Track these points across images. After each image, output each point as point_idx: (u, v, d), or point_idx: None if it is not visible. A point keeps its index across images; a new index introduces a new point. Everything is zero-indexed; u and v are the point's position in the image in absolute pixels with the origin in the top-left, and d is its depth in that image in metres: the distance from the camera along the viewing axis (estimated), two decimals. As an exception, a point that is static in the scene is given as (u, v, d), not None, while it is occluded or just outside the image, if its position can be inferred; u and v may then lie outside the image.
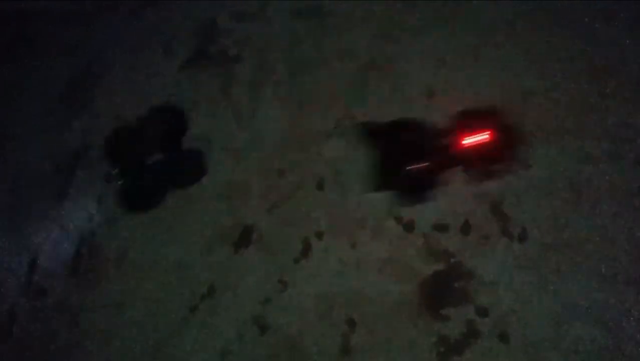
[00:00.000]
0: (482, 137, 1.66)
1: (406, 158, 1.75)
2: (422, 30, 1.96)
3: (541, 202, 1.63)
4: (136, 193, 2.05)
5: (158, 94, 2.16)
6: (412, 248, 1.71)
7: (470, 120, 1.72)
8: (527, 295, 1.57)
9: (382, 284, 1.70)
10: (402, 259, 1.70)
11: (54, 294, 2.01)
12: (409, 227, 1.73)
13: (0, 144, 2.26)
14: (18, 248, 2.12)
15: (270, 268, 1.83)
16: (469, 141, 1.66)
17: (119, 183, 2.03)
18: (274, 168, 1.94)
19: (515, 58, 1.80)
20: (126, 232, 2.02)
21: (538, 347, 1.52)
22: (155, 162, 2.04)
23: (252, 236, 1.88)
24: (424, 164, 1.70)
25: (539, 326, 1.53)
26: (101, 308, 1.95)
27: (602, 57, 1.73)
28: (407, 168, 1.70)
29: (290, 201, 1.88)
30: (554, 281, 1.56)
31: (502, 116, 1.70)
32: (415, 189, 1.72)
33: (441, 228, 1.70)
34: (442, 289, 1.64)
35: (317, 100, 1.97)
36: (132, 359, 1.86)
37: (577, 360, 1.48)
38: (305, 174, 1.90)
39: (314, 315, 1.73)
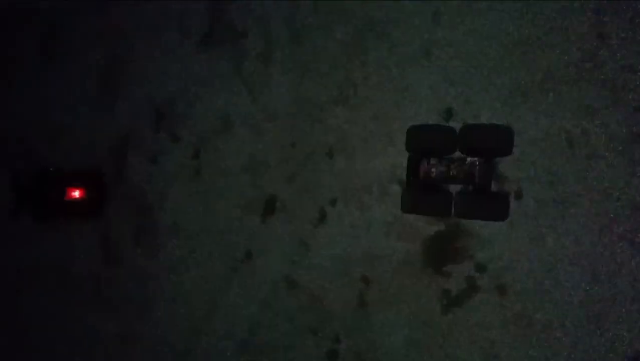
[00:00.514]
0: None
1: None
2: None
3: (536, 159, 1.63)
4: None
5: (180, 75, 2.32)
6: (416, 210, 1.81)
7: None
8: (523, 250, 1.64)
9: (390, 244, 1.84)
10: (407, 221, 1.82)
11: (126, 262, 2.41)
12: (412, 190, 1.82)
13: (50, 137, 2.59)
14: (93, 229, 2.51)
15: (293, 234, 2.04)
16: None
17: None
18: (288, 139, 2.07)
19: (508, 5, 1.70)
20: (174, 205, 2.31)
21: (533, 299, 1.61)
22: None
23: (275, 205, 2.08)
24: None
25: (534, 279, 1.62)
26: (164, 272, 2.31)
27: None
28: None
29: (305, 170, 2.03)
30: (549, 236, 1.61)
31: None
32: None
33: (442, 189, 1.77)
34: (443, 248, 1.75)
35: (321, 69, 2.02)
36: (194, 315, 2.22)
37: (570, 310, 1.56)
38: (316, 143, 2.01)
39: (333, 273, 1.95)
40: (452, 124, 1.75)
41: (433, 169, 1.64)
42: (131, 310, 2.37)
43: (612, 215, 1.54)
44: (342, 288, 1.92)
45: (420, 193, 1.70)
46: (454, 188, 1.71)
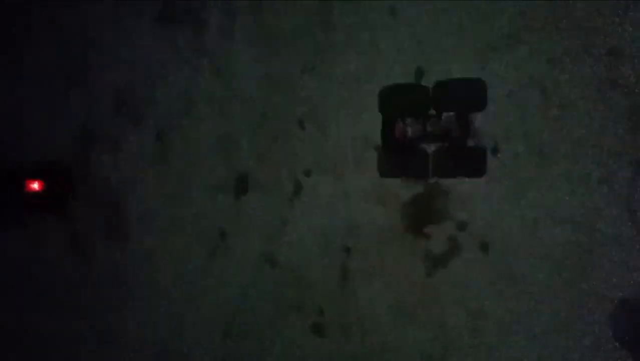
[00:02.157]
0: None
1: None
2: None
3: (511, 113, 1.62)
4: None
5: (138, 58, 2.22)
6: (393, 175, 1.77)
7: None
8: (503, 206, 1.63)
9: (369, 211, 1.81)
10: (385, 187, 1.78)
11: (98, 258, 2.30)
12: (388, 154, 1.78)
13: (6, 131, 2.45)
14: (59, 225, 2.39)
15: (269, 210, 1.98)
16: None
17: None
18: (257, 114, 2.00)
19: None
20: (142, 193, 2.22)
21: (515, 253, 1.61)
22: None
23: (248, 183, 2.01)
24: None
25: (515, 234, 1.61)
26: (138, 264, 2.22)
27: None
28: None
29: (277, 144, 1.97)
30: (527, 189, 1.60)
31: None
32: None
33: (417, 151, 1.74)
34: (423, 210, 1.73)
35: (286, 39, 1.96)
36: (171, 300, 2.14)
37: (552, 262, 1.56)
38: (286, 115, 1.95)
39: (314, 246, 1.90)
40: (423, 83, 1.72)
41: (409, 129, 1.61)
42: (107, 307, 2.27)
43: (589, 163, 1.54)
44: (324, 260, 1.88)
45: (397, 155, 1.67)
46: (430, 149, 1.68)
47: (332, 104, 1.88)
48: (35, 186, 2.31)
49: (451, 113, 1.56)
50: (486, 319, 1.63)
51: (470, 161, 1.60)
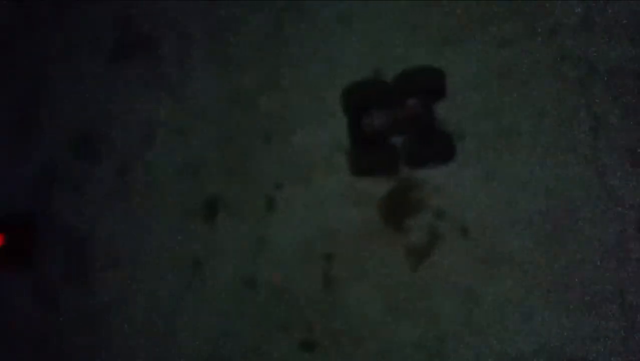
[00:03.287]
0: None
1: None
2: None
3: (471, 97, 1.66)
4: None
5: (94, 95, 2.18)
6: (364, 174, 1.77)
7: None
8: (477, 188, 1.64)
9: (345, 214, 1.78)
10: (358, 187, 1.78)
11: (66, 307, 2.15)
12: (357, 155, 1.79)
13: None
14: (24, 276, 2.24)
15: (243, 229, 1.92)
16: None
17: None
18: (222, 134, 1.98)
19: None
20: (107, 233, 2.12)
21: (496, 232, 1.61)
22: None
23: (218, 205, 1.96)
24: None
25: (494, 213, 1.62)
26: (109, 309, 2.09)
27: None
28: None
29: (245, 162, 1.94)
30: (498, 167, 1.63)
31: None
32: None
33: (386, 148, 1.75)
34: (399, 204, 1.72)
35: (242, 58, 1.98)
36: (147, 340, 2.01)
37: (532, 234, 1.57)
38: (251, 133, 1.94)
39: (294, 260, 1.84)
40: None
41: (376, 121, 1.62)
42: (79, 356, 2.10)
43: (553, 134, 1.59)
44: (306, 272, 1.82)
45: (367, 151, 1.67)
46: (398, 142, 1.70)
47: (297, 116, 1.89)
48: None
49: (415, 99, 1.58)
50: (478, 303, 1.60)
51: (439, 146, 1.62)
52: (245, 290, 1.90)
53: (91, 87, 2.20)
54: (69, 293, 2.15)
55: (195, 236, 1.98)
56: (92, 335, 2.11)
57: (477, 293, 1.61)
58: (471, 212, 1.64)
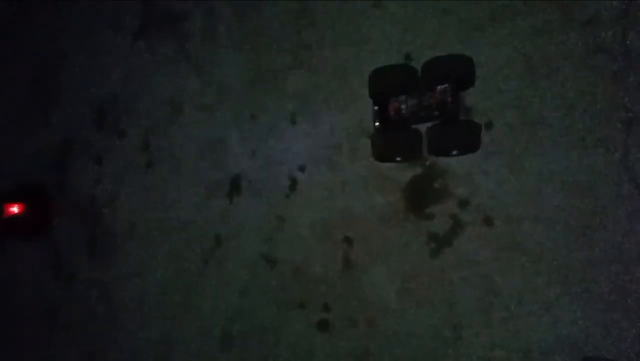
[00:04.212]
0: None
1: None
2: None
3: (501, 86, 1.65)
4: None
5: (119, 69, 2.19)
6: (389, 160, 1.77)
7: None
8: (503, 178, 1.63)
9: (368, 199, 1.79)
10: (381, 173, 1.78)
11: (82, 276, 2.19)
12: (382, 140, 1.78)
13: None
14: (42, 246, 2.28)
15: (265, 209, 1.93)
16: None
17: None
18: (246, 114, 1.99)
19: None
20: (127, 205, 2.14)
21: (521, 223, 1.60)
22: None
23: (241, 184, 1.97)
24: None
25: (518, 204, 1.61)
26: (126, 279, 2.12)
27: None
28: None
29: (269, 142, 1.95)
30: (525, 159, 1.61)
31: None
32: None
33: (412, 134, 1.75)
34: (422, 191, 1.72)
35: (271, 37, 1.97)
36: (165, 317, 2.04)
37: (559, 228, 1.57)
38: (277, 112, 1.94)
39: (314, 241, 1.85)
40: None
41: (403, 106, 1.60)
42: (96, 326, 2.14)
43: (582, 127, 1.57)
44: (325, 253, 1.83)
45: (391, 136, 1.64)
46: (423, 128, 1.68)
47: (322, 98, 1.88)
48: (15, 209, 2.21)
49: (445, 85, 1.56)
50: (497, 293, 1.61)
51: (464, 136, 1.60)
52: (263, 268, 1.92)
53: (117, 61, 2.21)
54: (86, 264, 2.19)
55: (217, 213, 2.00)
56: (108, 306, 2.15)
57: (497, 283, 1.61)
58: (496, 202, 1.63)
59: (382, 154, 1.69)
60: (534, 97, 1.62)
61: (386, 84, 1.65)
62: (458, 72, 1.60)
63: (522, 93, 1.63)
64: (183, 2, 2.09)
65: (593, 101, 1.55)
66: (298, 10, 1.94)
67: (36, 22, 2.37)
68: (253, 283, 1.93)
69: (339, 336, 1.78)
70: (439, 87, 1.57)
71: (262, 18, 1.99)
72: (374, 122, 1.68)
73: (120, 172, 2.16)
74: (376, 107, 1.67)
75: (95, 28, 2.28)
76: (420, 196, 1.72)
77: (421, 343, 1.66)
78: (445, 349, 1.63)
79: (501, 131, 1.65)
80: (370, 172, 1.79)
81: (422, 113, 1.60)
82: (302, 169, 1.89)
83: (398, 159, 1.69)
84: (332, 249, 1.82)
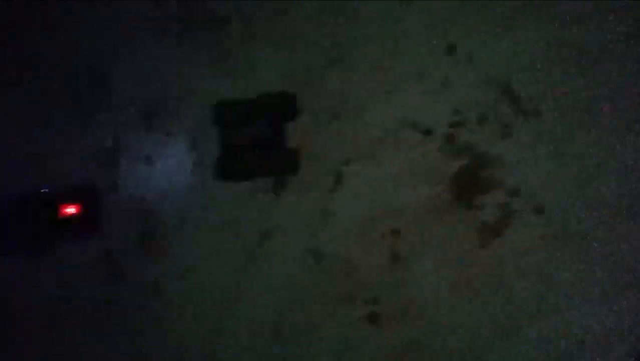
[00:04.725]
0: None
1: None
2: None
3: (548, 71, 1.63)
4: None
5: (166, 73, 2.25)
6: (434, 151, 1.77)
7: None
8: (552, 165, 1.62)
9: (415, 191, 1.79)
10: (427, 164, 1.78)
11: (134, 274, 2.25)
12: (427, 131, 1.79)
13: (32, 161, 2.45)
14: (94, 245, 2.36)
15: (311, 204, 1.96)
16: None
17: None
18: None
19: None
20: (177, 204, 2.20)
21: (570, 209, 1.58)
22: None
23: (286, 179, 2.00)
24: None
25: (568, 191, 1.59)
26: (177, 276, 2.17)
27: None
28: None
29: (312, 139, 1.97)
30: (573, 146, 1.60)
31: None
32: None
33: (458, 124, 1.75)
34: (471, 181, 1.71)
35: (308, 36, 2.00)
36: (215, 312, 2.09)
37: (604, 213, 1.54)
38: (318, 109, 1.97)
39: (360, 235, 1.87)
40: (456, 58, 1.75)
41: (235, 136, 1.97)
42: (147, 321, 2.20)
43: (633, 113, 1.54)
44: (372, 247, 1.84)
45: (230, 160, 2.01)
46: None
47: (363, 92, 1.90)
48: (71, 210, 2.29)
49: (264, 120, 1.91)
50: (550, 283, 1.58)
51: (283, 161, 1.95)
52: (310, 262, 1.94)
53: (159, 65, 2.27)
54: (136, 261, 2.25)
55: (263, 209, 2.03)
56: (158, 301, 2.21)
57: (550, 273, 1.59)
58: (546, 190, 1.62)
59: (221, 176, 2.02)
60: (581, 82, 1.60)
61: (224, 115, 2.03)
62: (279, 107, 1.94)
63: (569, 78, 1.61)
64: (222, 6, 2.14)
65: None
66: (335, 8, 1.97)
67: (85, 24, 2.45)
68: (300, 278, 1.95)
69: (388, 329, 1.79)
70: (258, 121, 1.93)
71: (298, 17, 2.02)
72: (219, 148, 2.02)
73: (169, 173, 2.22)
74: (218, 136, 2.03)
75: (136, 29, 2.34)
76: (468, 186, 1.72)
77: (472, 334, 1.65)
78: (497, 341, 1.62)
79: (550, 118, 1.63)
80: (417, 164, 1.79)
81: (253, 141, 1.95)
82: (346, 163, 1.91)
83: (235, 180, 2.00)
84: (379, 242, 1.83)
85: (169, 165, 2.23)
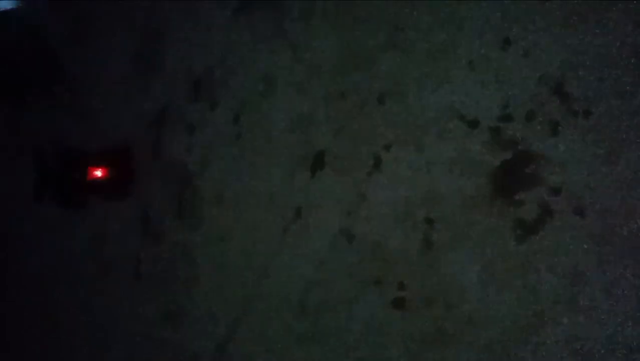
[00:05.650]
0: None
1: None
2: None
3: (603, 74, 1.61)
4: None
5: (219, 44, 2.31)
6: (479, 143, 1.77)
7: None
8: (598, 168, 1.59)
9: (454, 181, 1.79)
10: (470, 155, 1.77)
11: (168, 237, 2.32)
12: (474, 123, 1.78)
13: (83, 118, 2.54)
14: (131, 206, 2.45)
15: (347, 185, 1.98)
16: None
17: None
18: (336, 92, 2.04)
19: None
20: (217, 173, 2.26)
21: (611, 216, 1.56)
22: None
23: (325, 159, 2.03)
24: None
25: (611, 196, 1.57)
26: (210, 243, 2.24)
27: None
28: None
29: (356, 120, 1.99)
30: (622, 150, 1.57)
31: None
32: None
33: (506, 118, 1.74)
34: (513, 177, 1.70)
35: (366, 17, 2.01)
36: (244, 283, 2.14)
37: (652, 221, 1.51)
38: (366, 91, 1.98)
39: (394, 220, 1.88)
40: (511, 53, 1.73)
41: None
42: (176, 285, 2.27)
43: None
44: (405, 232, 1.85)
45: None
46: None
47: (413, 79, 1.90)
48: (99, 173, 2.36)
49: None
50: (584, 285, 1.57)
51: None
52: (342, 242, 1.96)
53: (214, 35, 2.33)
54: (173, 226, 2.32)
55: (300, 186, 2.06)
56: (191, 266, 2.27)
57: (585, 274, 1.57)
58: (588, 192, 1.60)
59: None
60: (637, 86, 1.57)
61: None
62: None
63: (626, 82, 1.58)
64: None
65: None
66: (395, -7, 1.97)
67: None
68: (330, 257, 1.98)
69: (414, 315, 1.80)
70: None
71: (359, -1, 2.03)
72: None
73: (211, 142, 2.28)
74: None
75: (196, 2, 2.40)
76: (509, 181, 1.71)
77: (500, 327, 1.65)
78: (526, 335, 1.61)
79: (599, 120, 1.61)
80: (458, 155, 1.79)
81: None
82: (387, 148, 1.92)
83: None
84: (412, 228, 1.84)
85: (211, 136, 2.28)
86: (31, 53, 2.73)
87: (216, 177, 2.25)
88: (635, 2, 1.59)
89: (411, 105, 1.90)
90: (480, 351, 1.66)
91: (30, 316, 2.62)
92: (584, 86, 1.63)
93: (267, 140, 2.15)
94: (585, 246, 1.59)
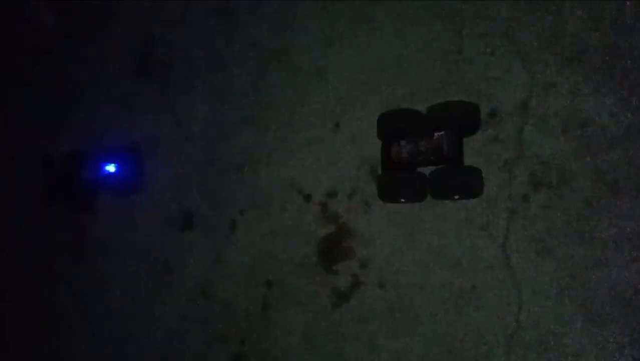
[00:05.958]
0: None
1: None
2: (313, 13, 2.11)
3: None
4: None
5: (113, 106, 2.52)
6: (311, 215, 1.96)
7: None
8: (399, 247, 1.78)
9: (290, 248, 1.99)
10: (304, 226, 1.97)
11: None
12: (308, 197, 1.98)
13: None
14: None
15: (209, 245, 2.18)
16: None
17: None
18: (204, 159, 2.25)
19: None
20: (103, 223, 2.45)
21: (408, 290, 1.74)
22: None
23: (193, 219, 2.23)
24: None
25: (409, 272, 1.75)
26: (96, 285, 2.43)
27: None
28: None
29: (219, 186, 2.20)
30: (420, 233, 1.76)
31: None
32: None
33: (332, 195, 1.94)
34: (332, 248, 1.89)
35: (231, 93, 2.22)
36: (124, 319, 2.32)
37: (439, 300, 1.69)
38: (228, 161, 2.19)
39: (242, 279, 2.07)
40: (340, 135, 1.94)
41: (403, 150, 1.65)
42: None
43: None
44: (249, 292, 2.04)
45: (395, 178, 1.72)
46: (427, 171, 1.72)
47: (266, 152, 2.10)
48: (111, 168, 2.38)
49: (441, 132, 1.59)
50: (377, 353, 1.75)
51: (464, 181, 1.63)
52: (200, 299, 2.15)
53: (114, 96, 2.53)
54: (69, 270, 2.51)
55: (171, 243, 2.26)
56: (79, 309, 2.46)
57: (380, 343, 1.75)
58: (390, 267, 1.79)
59: (387, 196, 1.76)
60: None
61: (392, 127, 1.73)
62: (460, 118, 1.64)
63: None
64: (170, 53, 2.39)
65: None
66: (257, 73, 2.18)
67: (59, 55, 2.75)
68: (188, 310, 2.17)
69: (251, 370, 1.98)
70: (436, 133, 1.61)
71: (230, 76, 2.24)
72: (381, 163, 1.77)
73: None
74: (382, 150, 1.75)
75: (100, 62, 2.61)
76: (330, 252, 1.90)
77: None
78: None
79: (404, 204, 1.80)
80: (295, 224, 1.99)
81: (420, 158, 1.64)
82: (242, 213, 2.12)
83: (402, 200, 1.74)
84: (255, 289, 2.03)
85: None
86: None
87: (103, 230, 2.44)
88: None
89: (262, 175, 2.10)
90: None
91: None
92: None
93: (147, 197, 2.35)
94: (384, 316, 1.77)
